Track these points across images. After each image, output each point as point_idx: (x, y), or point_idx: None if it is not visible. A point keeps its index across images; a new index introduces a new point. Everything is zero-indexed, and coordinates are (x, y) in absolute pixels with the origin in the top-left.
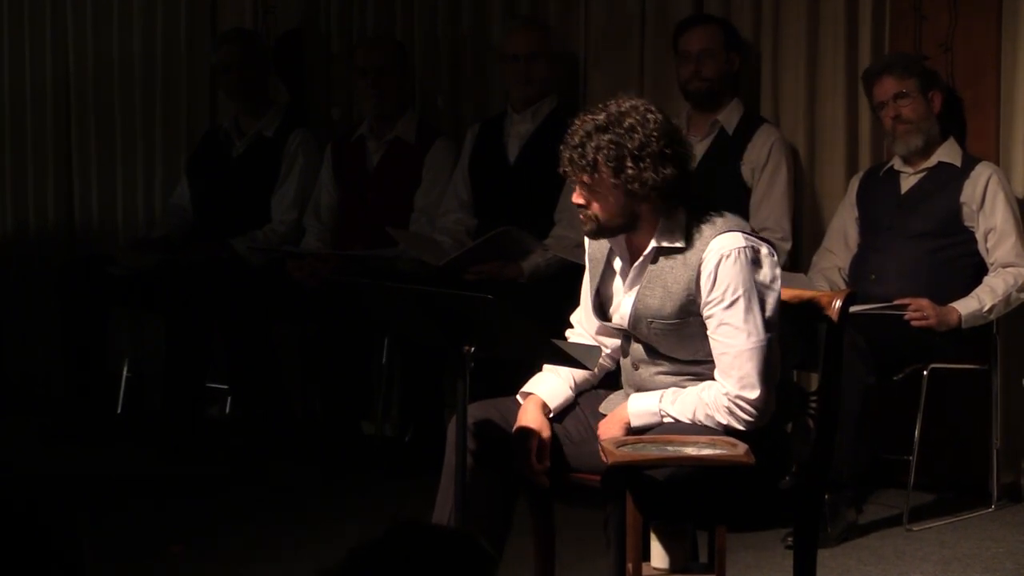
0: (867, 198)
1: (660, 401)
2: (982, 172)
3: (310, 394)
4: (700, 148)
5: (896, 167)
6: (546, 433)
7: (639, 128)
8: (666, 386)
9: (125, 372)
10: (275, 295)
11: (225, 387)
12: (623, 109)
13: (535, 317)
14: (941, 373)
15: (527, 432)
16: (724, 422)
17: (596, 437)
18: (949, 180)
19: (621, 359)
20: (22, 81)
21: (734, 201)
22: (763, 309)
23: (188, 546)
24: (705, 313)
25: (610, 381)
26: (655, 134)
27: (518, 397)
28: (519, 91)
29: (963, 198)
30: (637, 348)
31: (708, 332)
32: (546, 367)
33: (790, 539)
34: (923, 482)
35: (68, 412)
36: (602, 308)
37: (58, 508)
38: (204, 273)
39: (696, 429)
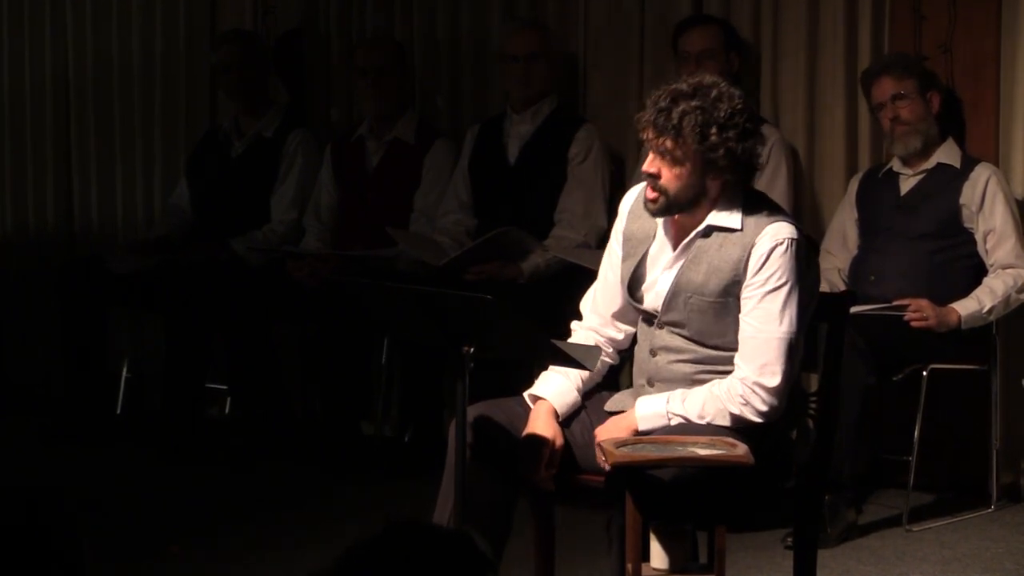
0: (866, 199)
1: (667, 403)
2: (981, 173)
3: (310, 394)
4: None
5: (895, 168)
6: (559, 442)
7: (725, 100)
8: (682, 376)
9: (125, 372)
10: (275, 295)
11: (225, 387)
12: (707, 82)
13: (535, 317)
14: (941, 374)
15: (539, 440)
16: (736, 412)
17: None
18: (948, 181)
19: (636, 349)
20: (21, 80)
21: None
22: (801, 306)
23: (187, 546)
24: (744, 294)
25: (610, 381)
26: (739, 107)
27: (526, 398)
28: (519, 92)
29: (962, 199)
30: (660, 335)
31: (741, 314)
32: (552, 367)
33: (790, 539)
34: (923, 482)
35: (68, 412)
36: (635, 288)
37: (58, 508)
38: (204, 273)
39: (705, 429)
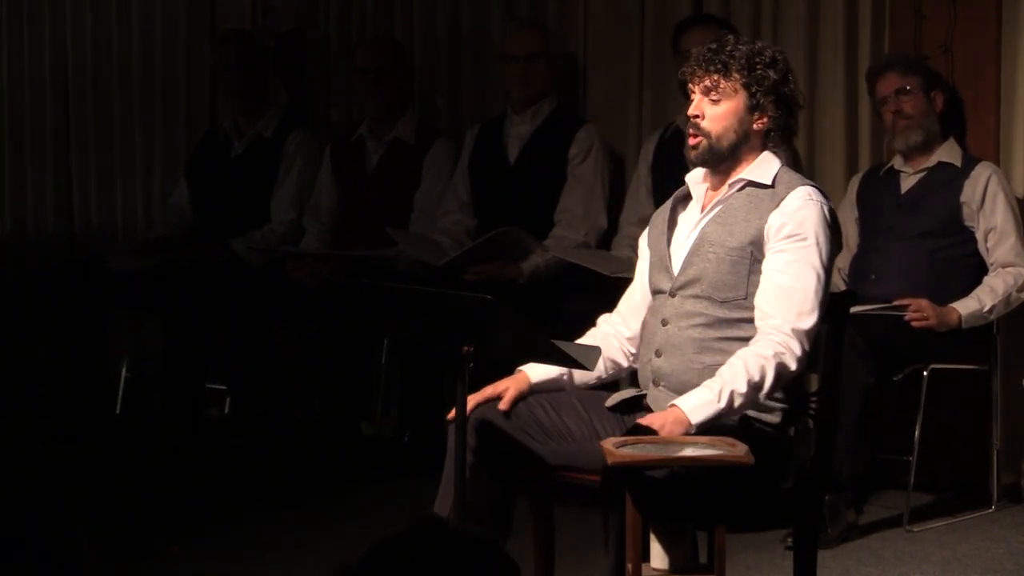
0: (867, 198)
1: (708, 389)
2: (982, 172)
3: (310, 394)
4: None
5: (896, 167)
6: (512, 387)
7: (768, 51)
8: (692, 341)
9: (124, 372)
10: (274, 296)
11: (224, 387)
12: (754, 40)
13: (535, 317)
14: (941, 373)
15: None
16: (777, 360)
17: (597, 436)
18: (949, 180)
19: (644, 331)
20: (21, 80)
21: None
22: (830, 258)
23: (187, 546)
24: (776, 247)
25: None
26: (779, 57)
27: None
28: (519, 92)
29: (963, 198)
30: (672, 303)
31: (770, 266)
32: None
33: (790, 540)
34: (923, 483)
35: (67, 412)
36: (661, 257)
37: (56, 509)
38: (203, 274)
39: (752, 397)
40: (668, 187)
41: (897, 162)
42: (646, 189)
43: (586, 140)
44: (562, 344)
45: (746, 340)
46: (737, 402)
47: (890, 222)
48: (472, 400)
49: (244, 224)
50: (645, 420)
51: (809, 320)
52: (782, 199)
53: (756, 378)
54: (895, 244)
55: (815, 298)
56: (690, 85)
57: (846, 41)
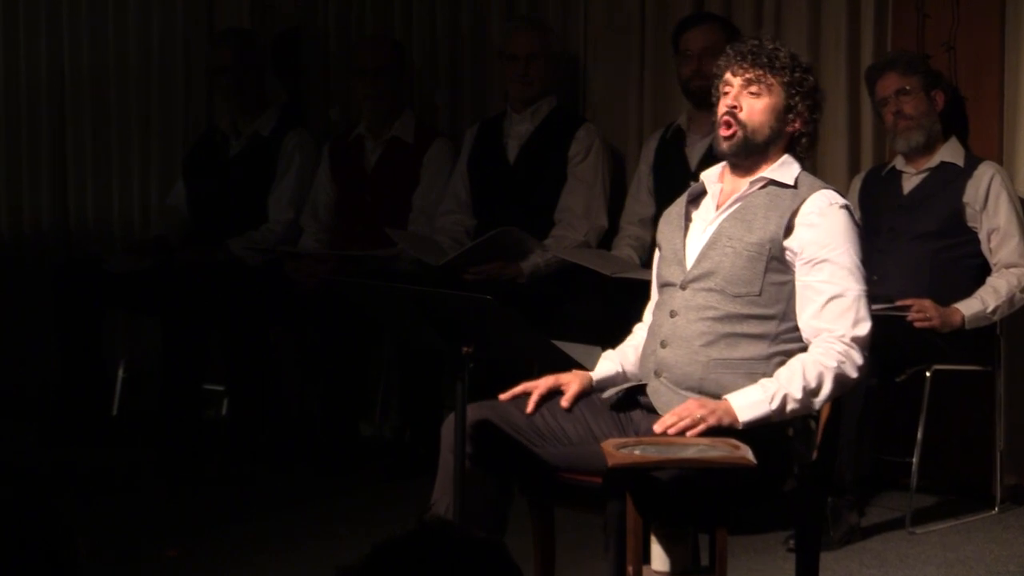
0: (869, 199)
1: (762, 389)
2: (985, 172)
3: (308, 395)
4: (701, 147)
5: (898, 167)
6: (573, 383)
7: (805, 61)
8: (699, 334)
9: (121, 373)
10: (272, 296)
11: (222, 388)
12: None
13: (535, 318)
14: (944, 374)
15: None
16: (839, 370)
17: (594, 438)
18: (952, 180)
19: (652, 324)
20: (17, 79)
21: None
22: (863, 260)
23: (184, 548)
24: (811, 259)
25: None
26: (813, 75)
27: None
28: (518, 91)
29: (966, 198)
30: (682, 296)
31: (810, 277)
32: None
33: (792, 542)
34: (926, 484)
35: (64, 414)
36: (675, 252)
37: (52, 510)
38: (201, 274)
39: (807, 403)
40: (669, 187)
41: (899, 162)
42: (647, 189)
43: (586, 139)
44: (561, 345)
45: (755, 337)
46: (789, 407)
47: (892, 223)
48: (536, 391)
49: (242, 224)
50: (691, 402)
51: (865, 327)
52: (804, 199)
53: (813, 385)
54: (897, 245)
55: (865, 305)
56: (728, 75)
57: (848, 39)
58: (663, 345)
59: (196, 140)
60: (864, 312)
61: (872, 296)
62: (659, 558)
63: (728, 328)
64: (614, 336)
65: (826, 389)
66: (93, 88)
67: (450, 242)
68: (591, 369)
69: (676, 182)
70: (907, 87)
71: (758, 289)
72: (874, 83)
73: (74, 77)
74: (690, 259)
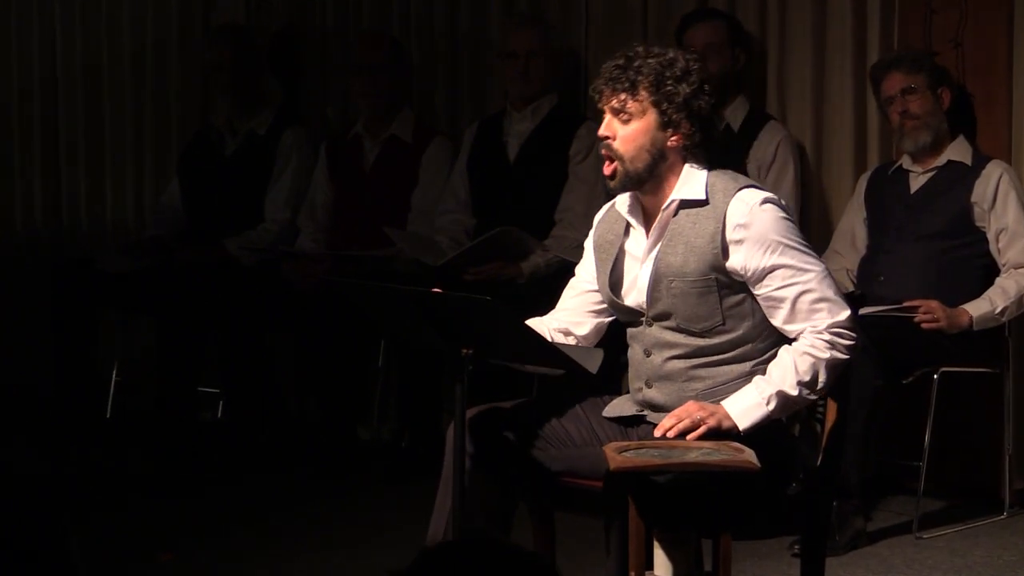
0: (875, 198)
1: (756, 390)
2: (993, 170)
3: (305, 398)
4: None
5: (905, 166)
6: None
7: (680, 61)
8: (679, 372)
9: (115, 375)
10: (269, 297)
11: (217, 391)
12: (663, 48)
13: (535, 318)
14: (952, 376)
15: None
16: (828, 357)
17: (598, 441)
18: (959, 179)
19: (630, 353)
20: (8, 76)
21: None
22: (806, 241)
23: (179, 552)
24: (760, 271)
25: (613, 385)
26: (694, 67)
27: None
28: (518, 89)
29: (974, 197)
30: (648, 333)
31: (773, 287)
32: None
33: (797, 547)
34: (933, 488)
35: (58, 415)
36: (615, 291)
37: (46, 512)
38: (196, 275)
39: (803, 398)
40: None
41: (906, 161)
42: None
43: (588, 138)
44: (562, 346)
45: (734, 359)
46: (788, 404)
47: (899, 222)
48: None
49: (238, 224)
50: (691, 405)
51: (843, 310)
52: (724, 214)
53: (807, 378)
54: (904, 245)
55: (831, 285)
56: (599, 105)
57: (854, 36)
58: (648, 385)
59: (191, 138)
60: (833, 293)
61: (877, 297)
62: (661, 564)
63: (704, 359)
64: (614, 336)
65: (822, 379)
66: (86, 86)
67: (449, 242)
68: (593, 371)
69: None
70: (913, 85)
71: (720, 319)
72: (879, 82)
73: (67, 72)
74: (640, 292)
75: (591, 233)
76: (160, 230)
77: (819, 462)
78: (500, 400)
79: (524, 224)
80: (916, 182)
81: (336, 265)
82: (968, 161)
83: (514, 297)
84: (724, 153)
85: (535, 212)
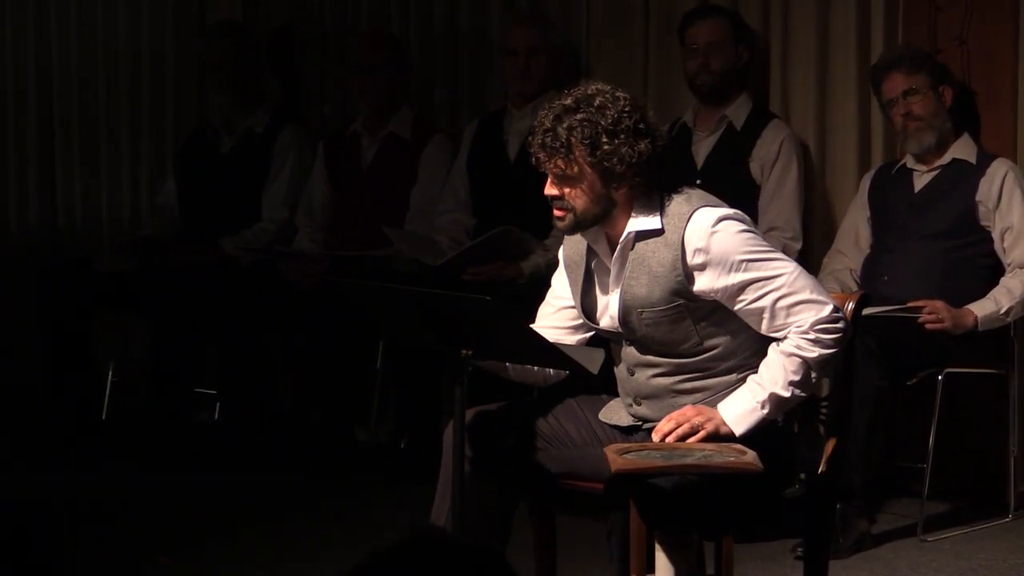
0: (879, 197)
1: (750, 394)
2: (998, 169)
3: (302, 399)
4: (707, 143)
5: (909, 165)
6: None
7: (610, 105)
8: (665, 389)
9: (110, 376)
10: (266, 297)
11: (214, 392)
12: (590, 91)
13: (534, 319)
14: (956, 377)
15: None
16: (816, 354)
17: (598, 441)
18: (964, 178)
19: (616, 370)
20: (3, 77)
21: (742, 199)
22: (771, 247)
23: (175, 555)
24: (731, 290)
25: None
26: (626, 110)
27: None
28: (518, 87)
29: (979, 196)
30: (630, 352)
31: (748, 301)
32: None
33: (800, 550)
34: (938, 491)
35: (52, 417)
36: (589, 315)
37: (41, 515)
38: (192, 274)
39: (796, 396)
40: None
41: (910, 160)
42: None
43: None
44: (562, 347)
45: (720, 370)
46: (782, 405)
47: (903, 222)
48: None
49: (234, 223)
50: (688, 409)
51: (824, 306)
52: (681, 239)
53: (798, 378)
54: (908, 244)
55: (809, 286)
56: (540, 168)
57: (858, 33)
58: (637, 402)
59: (187, 137)
60: (810, 291)
61: (881, 297)
62: (663, 566)
63: (689, 375)
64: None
65: (813, 376)
66: (81, 82)
67: (449, 242)
68: (594, 371)
69: (683, 180)
70: (914, 87)
71: (698, 339)
72: (879, 84)
73: (62, 70)
74: (613, 319)
75: (562, 247)
76: (155, 229)
77: (822, 464)
78: (499, 400)
79: (524, 223)
80: (920, 181)
81: (335, 265)
82: (972, 159)
83: (514, 297)
84: (727, 152)
85: (536, 211)
